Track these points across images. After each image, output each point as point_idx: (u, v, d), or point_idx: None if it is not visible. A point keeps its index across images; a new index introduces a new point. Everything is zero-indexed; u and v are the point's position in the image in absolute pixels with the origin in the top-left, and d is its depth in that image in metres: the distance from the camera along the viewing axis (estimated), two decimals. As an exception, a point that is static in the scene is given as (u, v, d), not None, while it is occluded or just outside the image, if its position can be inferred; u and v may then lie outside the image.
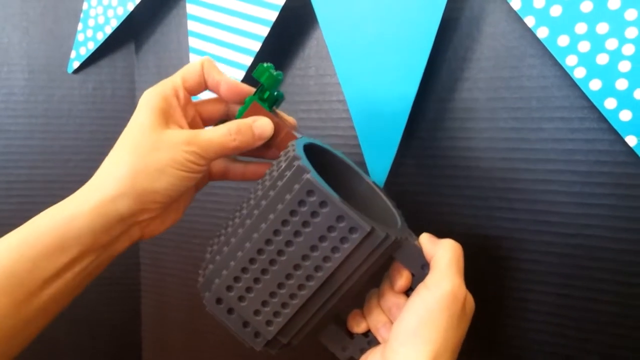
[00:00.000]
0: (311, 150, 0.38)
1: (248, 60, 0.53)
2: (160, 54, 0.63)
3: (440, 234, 0.50)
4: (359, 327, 0.38)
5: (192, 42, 0.56)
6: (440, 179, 0.49)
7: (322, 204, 0.32)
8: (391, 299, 0.37)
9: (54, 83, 0.64)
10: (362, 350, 0.38)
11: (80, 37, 0.62)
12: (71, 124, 0.65)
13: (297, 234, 0.33)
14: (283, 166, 0.34)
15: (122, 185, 0.34)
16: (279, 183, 0.34)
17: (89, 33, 0.62)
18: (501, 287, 0.48)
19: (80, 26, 0.62)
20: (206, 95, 0.43)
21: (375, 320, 0.38)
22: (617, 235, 0.43)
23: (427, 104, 0.49)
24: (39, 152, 0.65)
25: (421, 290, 0.34)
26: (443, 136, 0.49)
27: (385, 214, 0.41)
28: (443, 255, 0.35)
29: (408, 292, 0.37)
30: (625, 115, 0.39)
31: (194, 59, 0.56)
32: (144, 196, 0.35)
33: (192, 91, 0.40)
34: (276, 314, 0.35)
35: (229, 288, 0.35)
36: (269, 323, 0.35)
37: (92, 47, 0.62)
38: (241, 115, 0.40)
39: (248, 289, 0.35)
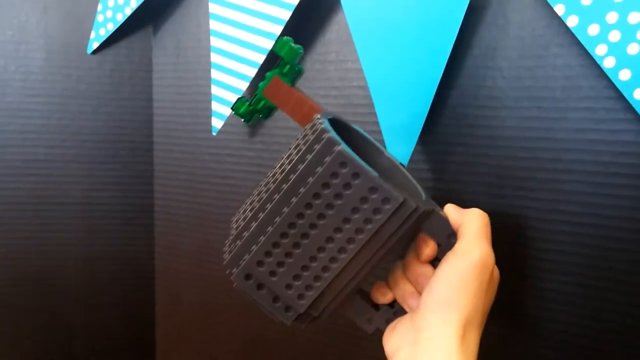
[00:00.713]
0: (333, 125, 0.38)
1: (269, 44, 0.53)
2: (178, 36, 0.63)
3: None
4: (385, 298, 0.38)
5: (213, 24, 0.55)
6: (462, 166, 0.49)
7: (355, 175, 0.32)
8: (417, 269, 0.37)
9: (72, 63, 0.64)
10: (388, 321, 0.39)
11: (99, 17, 0.62)
12: (88, 105, 0.65)
13: (329, 206, 0.33)
14: (311, 139, 0.34)
15: None
16: (308, 156, 0.33)
17: (109, 14, 0.62)
18: (521, 276, 0.48)
19: (99, 7, 0.62)
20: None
21: (402, 290, 0.38)
22: (636, 226, 0.43)
23: (450, 91, 0.49)
24: (56, 131, 0.65)
25: (451, 259, 0.35)
26: (465, 124, 0.48)
27: (409, 186, 0.41)
28: (470, 223, 0.35)
29: (433, 262, 0.37)
30: (654, 106, 0.39)
31: (214, 42, 0.56)
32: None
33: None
34: (308, 287, 0.35)
35: (260, 263, 0.35)
36: (300, 297, 0.35)
37: (111, 28, 0.62)
38: (262, 90, 0.39)
39: (279, 264, 0.35)
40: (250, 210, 0.37)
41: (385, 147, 0.49)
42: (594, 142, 0.44)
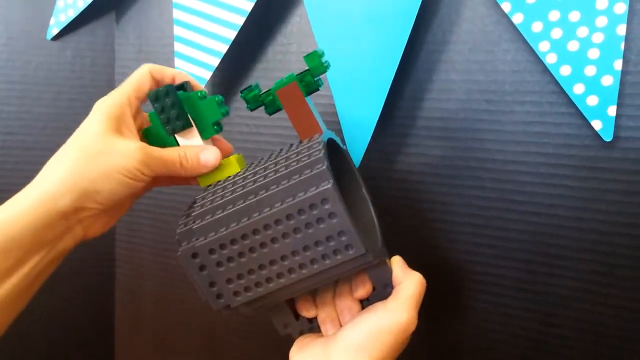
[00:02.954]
0: (327, 145, 0.39)
1: (232, 34, 0.54)
2: (141, 24, 0.63)
3: (413, 210, 0.52)
4: (308, 313, 0.40)
5: (177, 14, 0.56)
6: (415, 157, 0.51)
7: (331, 215, 0.33)
8: (346, 302, 0.39)
9: (32, 50, 0.64)
10: (302, 332, 0.41)
11: (60, 3, 0.62)
12: (49, 91, 0.64)
13: (296, 230, 0.34)
14: (305, 161, 0.34)
15: (64, 183, 0.36)
16: (296, 177, 0.34)
17: (69, 0, 0.61)
18: (468, 262, 0.50)
19: (60, -8, 0.61)
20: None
21: (325, 313, 0.40)
22: (579, 214, 0.46)
23: (405, 84, 0.50)
24: (15, 118, 0.64)
25: (379, 310, 0.37)
26: (420, 115, 0.50)
27: (369, 228, 0.42)
28: (409, 286, 0.37)
29: (362, 300, 0.40)
30: (592, 100, 0.41)
31: (178, 31, 0.56)
32: (85, 196, 0.36)
33: (144, 99, 0.41)
34: (247, 288, 0.36)
35: (212, 251, 0.35)
36: (237, 294, 0.36)
37: (72, 14, 0.62)
38: (277, 87, 0.39)
39: (229, 259, 0.35)
40: (221, 197, 0.37)
41: (344, 137, 0.51)
42: (539, 134, 0.46)
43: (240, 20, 0.53)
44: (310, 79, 0.40)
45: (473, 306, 0.51)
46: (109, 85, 0.65)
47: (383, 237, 0.41)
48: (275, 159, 0.39)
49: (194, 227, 0.36)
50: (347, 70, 0.50)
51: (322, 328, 0.40)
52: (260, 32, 0.57)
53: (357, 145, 0.50)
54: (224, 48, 0.54)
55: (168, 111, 0.39)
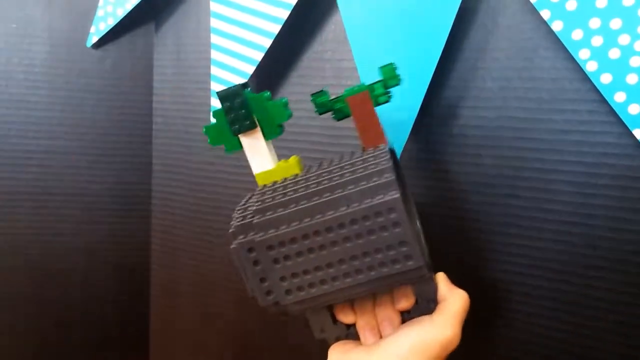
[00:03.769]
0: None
1: (267, 42, 0.54)
2: (180, 33, 0.64)
3: (448, 219, 0.52)
4: (346, 319, 0.40)
5: (214, 22, 0.57)
6: (450, 165, 0.51)
7: (395, 224, 0.33)
8: (387, 312, 0.39)
9: (75, 57, 0.66)
10: (338, 338, 0.40)
11: (100, 12, 0.64)
12: (90, 98, 0.66)
13: (358, 236, 0.34)
14: (373, 170, 0.35)
15: None
16: (363, 184, 0.34)
17: (109, 9, 0.63)
18: (504, 272, 0.50)
19: (101, 2, 0.63)
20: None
21: (364, 321, 0.40)
22: (617, 225, 0.45)
23: (440, 91, 0.50)
24: (57, 123, 0.66)
25: (426, 323, 0.37)
26: (455, 124, 0.50)
27: (419, 241, 0.42)
28: (454, 303, 0.38)
29: (403, 313, 0.40)
30: (634, 109, 0.40)
31: (214, 39, 0.57)
32: None
33: None
34: (300, 288, 0.36)
35: (270, 247, 0.35)
36: (289, 292, 0.36)
37: (111, 22, 0.63)
38: (348, 94, 0.40)
39: (286, 257, 0.35)
40: (283, 196, 0.37)
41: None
42: (578, 143, 0.45)
43: (276, 29, 0.54)
44: (382, 90, 0.41)
45: (507, 316, 0.51)
46: (148, 92, 0.67)
47: (430, 253, 0.41)
48: (339, 164, 0.39)
49: (254, 221, 0.36)
50: (382, 77, 0.50)
51: (361, 335, 0.40)
52: (295, 40, 0.57)
53: (391, 152, 0.50)
54: (259, 56, 0.55)
55: (236, 111, 0.40)
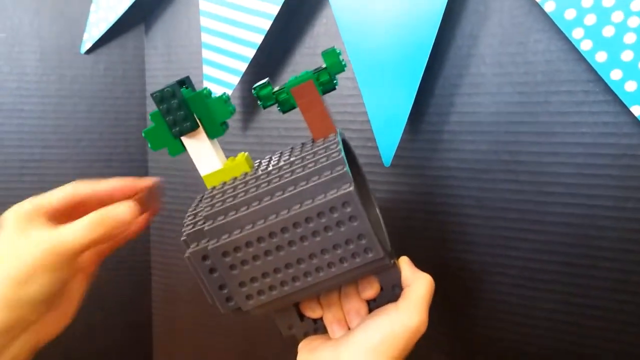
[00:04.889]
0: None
1: (259, 39, 0.54)
2: (170, 34, 0.64)
3: (448, 206, 0.51)
4: (313, 314, 0.39)
5: (204, 21, 0.56)
6: (448, 153, 0.50)
7: (352, 218, 0.32)
8: (353, 303, 0.39)
9: (66, 63, 0.65)
10: (306, 334, 0.40)
11: (92, 17, 0.63)
12: (83, 104, 0.66)
13: (315, 233, 0.33)
14: (324, 163, 0.34)
15: None
16: (315, 179, 0.33)
17: (101, 14, 0.63)
18: (507, 257, 0.50)
19: (92, 7, 0.63)
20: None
21: (331, 315, 0.39)
22: (620, 204, 0.45)
23: (435, 80, 0.50)
24: (51, 131, 0.66)
25: (391, 312, 0.36)
26: (450, 111, 0.50)
27: (378, 229, 0.41)
28: (420, 288, 0.37)
29: (370, 301, 0.39)
30: (631, 86, 0.40)
31: (205, 38, 0.57)
32: (16, 304, 0.35)
33: (64, 210, 0.40)
34: (260, 292, 0.35)
35: (225, 254, 0.34)
36: (249, 297, 0.35)
37: (103, 27, 0.63)
38: (292, 85, 0.38)
39: (243, 262, 0.34)
40: (233, 198, 0.35)
41: (375, 136, 0.50)
42: (576, 124, 0.45)
43: (266, 25, 0.54)
44: (327, 77, 0.39)
45: (511, 302, 0.50)
46: (141, 95, 0.66)
47: (390, 238, 0.40)
48: (289, 158, 0.38)
49: (205, 228, 0.34)
50: (376, 69, 0.49)
51: (329, 329, 0.39)
52: (286, 36, 0.57)
53: (388, 143, 0.50)
54: (251, 53, 0.55)
55: (174, 112, 0.37)
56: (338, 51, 0.39)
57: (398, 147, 0.50)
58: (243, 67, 0.55)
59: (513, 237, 0.49)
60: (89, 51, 0.65)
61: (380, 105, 0.50)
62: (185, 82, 0.39)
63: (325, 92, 0.39)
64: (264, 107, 0.40)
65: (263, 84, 0.40)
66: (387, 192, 0.54)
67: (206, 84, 0.58)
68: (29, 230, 0.37)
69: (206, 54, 0.57)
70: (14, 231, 0.37)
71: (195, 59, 0.62)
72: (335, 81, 0.39)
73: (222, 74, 0.57)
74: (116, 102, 0.66)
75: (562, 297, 0.48)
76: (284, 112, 0.40)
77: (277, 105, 0.40)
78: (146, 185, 0.40)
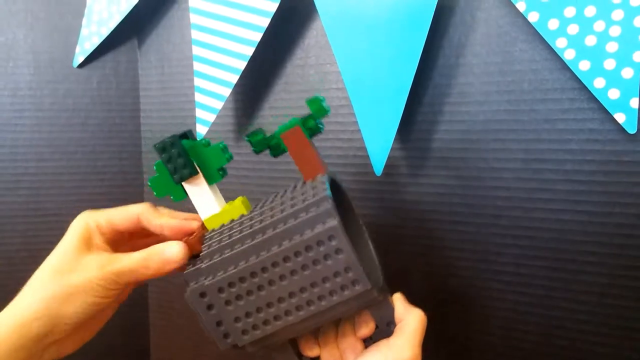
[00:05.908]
0: (330, 185, 0.40)
1: (249, 51, 0.55)
2: (162, 48, 0.65)
3: (437, 214, 0.52)
4: (311, 352, 0.40)
5: (195, 34, 0.57)
6: (438, 161, 0.51)
7: (338, 250, 0.34)
8: (349, 341, 0.39)
9: (59, 77, 0.66)
10: None
11: (84, 31, 0.64)
12: (77, 117, 0.66)
13: (304, 267, 0.34)
14: (310, 201, 0.35)
15: (37, 307, 0.36)
16: (302, 215, 0.35)
17: (94, 28, 0.63)
18: (496, 263, 0.50)
19: (84, 21, 0.63)
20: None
21: (329, 354, 0.40)
22: (607, 209, 0.45)
23: (424, 89, 0.51)
24: (46, 145, 0.66)
25: (383, 348, 0.37)
26: (439, 120, 0.50)
27: (371, 264, 0.42)
28: (411, 323, 0.37)
29: (366, 340, 0.40)
30: (614, 94, 0.41)
31: (196, 51, 0.57)
32: (51, 321, 0.36)
33: (124, 230, 0.41)
34: (255, 327, 0.36)
35: (220, 290, 0.36)
36: (245, 332, 0.36)
37: (96, 41, 0.64)
38: (280, 132, 0.41)
39: (238, 297, 0.36)
40: (229, 237, 0.38)
41: (365, 145, 0.51)
42: (562, 131, 0.46)
43: (257, 37, 0.54)
44: (313, 122, 0.41)
45: (502, 307, 0.51)
46: (134, 108, 0.67)
47: (384, 274, 0.41)
48: (280, 199, 0.40)
49: (203, 266, 0.36)
50: (366, 79, 0.50)
51: None
52: (277, 47, 0.58)
53: (379, 152, 0.51)
54: (242, 65, 0.56)
55: (175, 160, 0.41)
56: (321, 98, 0.41)
57: (389, 156, 0.50)
58: (234, 79, 0.56)
59: (504, 244, 0.50)
60: (81, 65, 0.66)
61: (370, 115, 0.51)
62: (187, 135, 0.42)
63: (312, 135, 0.42)
64: (256, 153, 0.43)
65: (255, 131, 0.42)
66: (378, 201, 0.54)
67: (198, 96, 0.59)
68: (92, 249, 0.39)
69: (197, 66, 0.58)
70: (77, 247, 0.38)
71: (188, 71, 0.63)
72: (321, 125, 0.42)
73: (213, 86, 0.58)
74: (110, 114, 0.67)
75: (552, 302, 0.49)
76: (275, 156, 0.43)
77: (269, 150, 0.43)
78: (196, 227, 0.41)
